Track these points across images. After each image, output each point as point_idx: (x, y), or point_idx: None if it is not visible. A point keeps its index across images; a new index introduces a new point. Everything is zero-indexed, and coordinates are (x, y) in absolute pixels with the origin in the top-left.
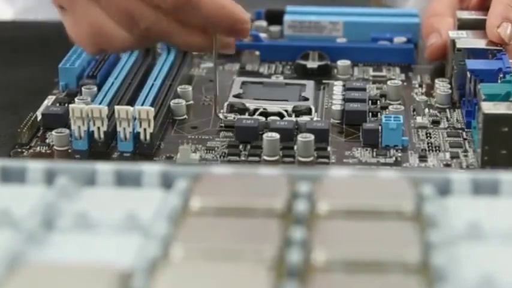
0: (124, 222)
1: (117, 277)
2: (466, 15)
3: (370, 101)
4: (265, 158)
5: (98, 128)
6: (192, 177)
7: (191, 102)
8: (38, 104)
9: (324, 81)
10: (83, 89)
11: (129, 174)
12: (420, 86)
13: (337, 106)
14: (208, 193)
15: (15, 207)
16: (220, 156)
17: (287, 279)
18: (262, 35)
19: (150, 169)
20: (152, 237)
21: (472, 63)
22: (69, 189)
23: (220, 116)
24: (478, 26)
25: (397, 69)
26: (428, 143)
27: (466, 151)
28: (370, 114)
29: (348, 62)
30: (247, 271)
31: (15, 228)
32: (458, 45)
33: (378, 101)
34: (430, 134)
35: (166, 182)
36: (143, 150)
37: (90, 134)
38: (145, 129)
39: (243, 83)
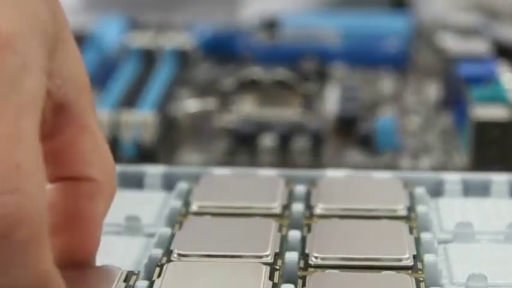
0: (126, 224)
1: (119, 277)
2: (457, 19)
3: (364, 104)
4: (263, 161)
5: None
6: (192, 179)
7: (191, 106)
8: None
9: (320, 84)
10: None
11: (131, 176)
12: (412, 88)
13: (332, 109)
14: (208, 195)
15: None
16: (219, 160)
17: (285, 279)
18: (258, 40)
19: (152, 171)
20: (153, 239)
21: (463, 67)
22: None
23: (220, 122)
24: (469, 30)
25: (390, 72)
26: (420, 145)
27: (457, 153)
28: (365, 116)
29: (343, 66)
30: (246, 271)
31: None
32: (449, 49)
33: (372, 104)
34: (422, 136)
35: (168, 184)
36: (145, 155)
37: None
38: (146, 135)
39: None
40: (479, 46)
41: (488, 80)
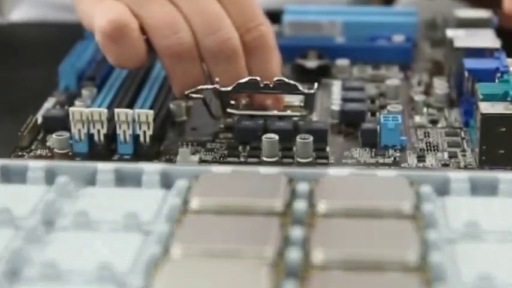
0: (124, 222)
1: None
2: (464, 13)
3: (368, 101)
4: (265, 159)
5: (98, 131)
6: (192, 177)
7: (191, 103)
8: (38, 105)
9: (323, 80)
10: (82, 90)
11: (129, 174)
12: (418, 85)
13: (335, 106)
14: (208, 192)
15: (16, 206)
16: (219, 158)
17: (286, 277)
18: None
19: (151, 169)
20: (152, 237)
21: (470, 63)
22: (70, 188)
23: (221, 119)
24: (476, 25)
25: (396, 68)
26: (426, 143)
27: (464, 150)
28: (369, 113)
29: (346, 61)
30: (246, 270)
31: (16, 227)
32: (456, 44)
33: (377, 101)
34: (428, 133)
35: (167, 182)
36: (143, 153)
37: (90, 137)
38: (144, 132)
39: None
40: (487, 40)
41: (496, 74)
